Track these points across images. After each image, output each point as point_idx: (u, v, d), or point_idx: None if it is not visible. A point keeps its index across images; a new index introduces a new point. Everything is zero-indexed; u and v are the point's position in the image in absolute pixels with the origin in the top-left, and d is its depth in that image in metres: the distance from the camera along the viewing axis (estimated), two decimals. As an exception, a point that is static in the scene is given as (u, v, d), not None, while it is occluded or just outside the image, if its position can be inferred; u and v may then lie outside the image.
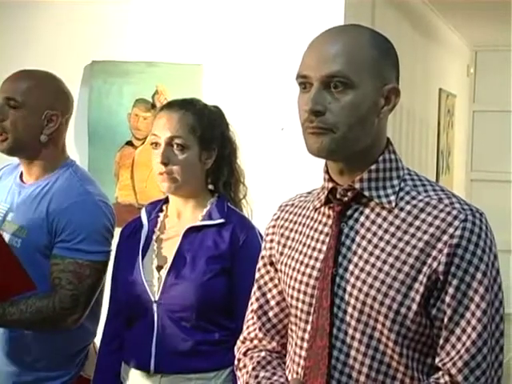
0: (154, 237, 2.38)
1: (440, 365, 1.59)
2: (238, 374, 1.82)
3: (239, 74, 3.65)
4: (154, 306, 2.28)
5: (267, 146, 3.60)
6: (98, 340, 2.54)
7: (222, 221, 2.31)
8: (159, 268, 2.32)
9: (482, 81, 7.93)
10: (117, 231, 2.48)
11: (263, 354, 1.79)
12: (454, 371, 1.57)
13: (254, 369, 1.77)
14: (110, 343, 2.41)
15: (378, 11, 4.19)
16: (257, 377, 1.75)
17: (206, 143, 2.34)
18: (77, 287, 2.38)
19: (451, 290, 1.58)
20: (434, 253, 1.58)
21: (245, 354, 1.83)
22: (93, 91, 3.81)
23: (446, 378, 1.58)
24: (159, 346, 2.28)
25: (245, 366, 1.80)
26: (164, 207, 2.42)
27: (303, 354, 1.69)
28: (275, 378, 1.73)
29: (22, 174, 2.54)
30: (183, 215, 2.38)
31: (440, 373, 1.60)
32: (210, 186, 2.42)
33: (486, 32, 6.95)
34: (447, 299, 1.58)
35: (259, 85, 3.62)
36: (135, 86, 3.76)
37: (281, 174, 3.60)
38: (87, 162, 3.76)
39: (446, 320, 1.59)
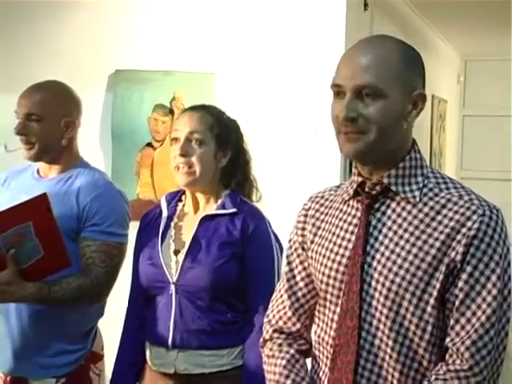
0: (172, 223, 2.46)
1: (450, 344, 1.64)
2: (265, 359, 1.88)
3: (249, 81, 3.71)
4: (172, 287, 2.37)
5: (278, 151, 3.66)
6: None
7: (234, 210, 2.40)
8: (176, 252, 2.41)
9: (471, 88, 7.94)
10: (136, 224, 2.58)
11: (292, 351, 1.84)
12: (462, 349, 1.61)
13: (285, 367, 1.83)
14: (133, 322, 2.51)
15: (376, 22, 4.18)
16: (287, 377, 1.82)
17: (222, 143, 2.43)
18: (108, 265, 2.52)
19: (465, 276, 1.62)
20: (454, 244, 1.63)
21: (271, 338, 1.89)
22: (116, 97, 3.90)
23: (444, 368, 1.63)
24: (176, 324, 2.37)
25: (273, 357, 1.85)
26: (182, 197, 2.51)
27: (332, 333, 1.75)
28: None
29: (37, 170, 2.67)
30: (199, 205, 2.47)
31: (439, 364, 1.65)
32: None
33: (475, 43, 7.02)
34: (460, 284, 1.63)
35: (267, 91, 3.68)
36: (154, 93, 3.84)
37: (291, 179, 3.64)
38: (111, 162, 3.89)
39: (457, 303, 1.63)
